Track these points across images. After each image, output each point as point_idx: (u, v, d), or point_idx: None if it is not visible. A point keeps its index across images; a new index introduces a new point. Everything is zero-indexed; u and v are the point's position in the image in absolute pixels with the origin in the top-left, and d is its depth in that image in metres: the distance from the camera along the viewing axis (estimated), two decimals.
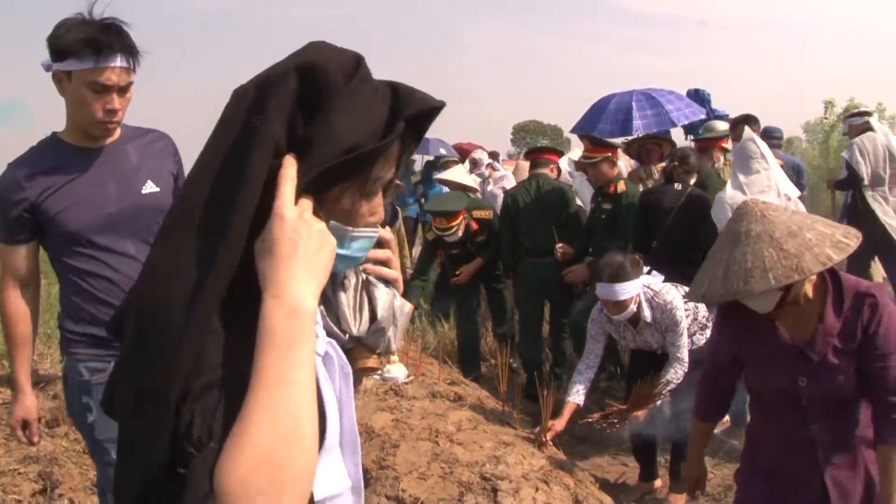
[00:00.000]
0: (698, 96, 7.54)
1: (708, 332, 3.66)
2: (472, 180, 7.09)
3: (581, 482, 3.26)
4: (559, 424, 3.57)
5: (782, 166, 4.83)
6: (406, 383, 4.08)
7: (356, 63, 0.92)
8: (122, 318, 0.90)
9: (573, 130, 6.87)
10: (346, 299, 1.05)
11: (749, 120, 5.24)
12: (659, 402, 3.50)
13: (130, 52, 2.07)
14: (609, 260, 3.49)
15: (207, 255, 0.83)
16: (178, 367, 0.79)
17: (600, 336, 3.73)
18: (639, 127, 6.34)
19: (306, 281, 0.84)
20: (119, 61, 2.03)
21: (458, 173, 7.06)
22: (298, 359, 0.80)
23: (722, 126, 5.99)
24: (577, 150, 8.16)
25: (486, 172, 7.95)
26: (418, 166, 12.30)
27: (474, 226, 5.26)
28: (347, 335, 1.05)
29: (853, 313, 2.01)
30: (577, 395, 3.64)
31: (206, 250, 0.84)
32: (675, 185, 4.63)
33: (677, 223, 4.41)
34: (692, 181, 4.65)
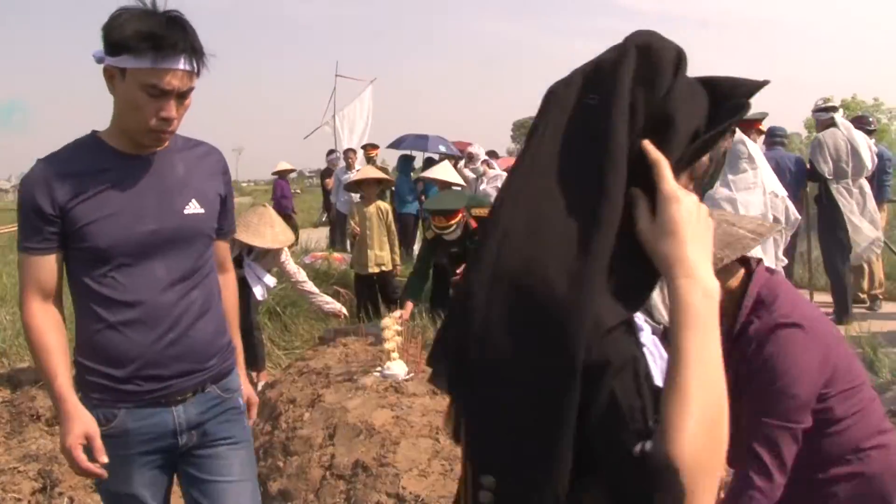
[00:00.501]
0: None
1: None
2: (457, 177, 7.10)
3: None
4: None
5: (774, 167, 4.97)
6: (406, 380, 4.07)
7: (678, 55, 0.92)
8: (469, 289, 0.87)
9: None
10: (658, 288, 1.03)
11: None
12: None
13: (196, 53, 1.79)
14: None
15: (586, 215, 0.82)
16: (581, 338, 0.77)
17: None
18: None
19: (707, 262, 0.85)
20: (182, 63, 1.75)
21: (444, 170, 7.06)
22: (714, 338, 0.82)
23: None
24: None
25: (482, 169, 7.94)
26: (418, 163, 12.27)
27: (473, 224, 5.26)
28: (662, 326, 1.04)
29: (742, 338, 1.70)
30: None
31: (581, 210, 0.83)
32: None
33: None
34: None
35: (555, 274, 0.80)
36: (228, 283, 2.23)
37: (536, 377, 0.79)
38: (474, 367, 0.84)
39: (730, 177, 4.50)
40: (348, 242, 9.41)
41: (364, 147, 12.20)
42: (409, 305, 5.32)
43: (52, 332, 1.84)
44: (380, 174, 7.02)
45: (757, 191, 4.46)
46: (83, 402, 1.86)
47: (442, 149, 11.76)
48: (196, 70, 1.80)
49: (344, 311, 5.38)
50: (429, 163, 10.55)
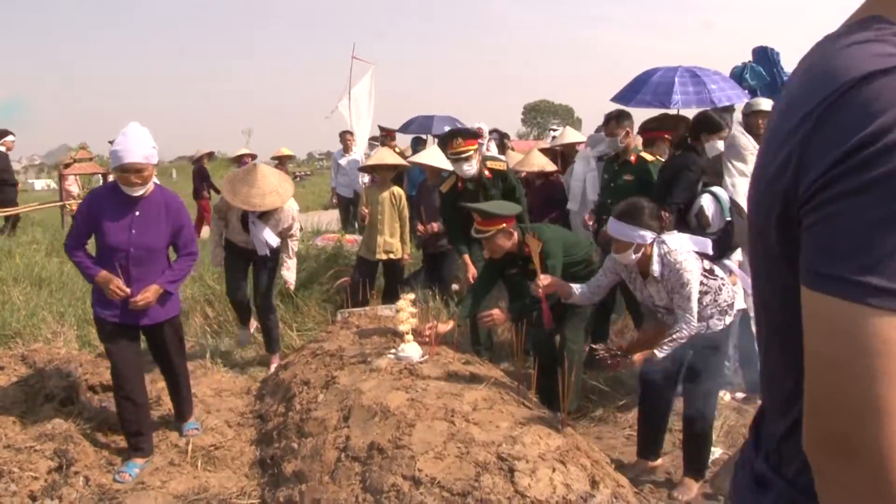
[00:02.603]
0: (766, 55, 7.34)
1: (728, 319, 3.60)
2: (446, 162, 6.94)
3: (598, 463, 3.23)
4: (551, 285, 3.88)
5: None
6: (421, 362, 4.05)
7: None
8: None
9: (613, 99, 6.84)
10: None
11: (621, 115, 5.26)
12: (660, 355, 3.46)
13: None
14: (630, 199, 3.63)
15: None
16: None
17: (609, 272, 3.76)
18: (678, 101, 6.34)
19: None
20: None
21: (433, 155, 6.90)
22: None
23: (766, 104, 5.94)
24: (568, 133, 8.07)
25: (484, 147, 7.80)
26: (429, 145, 12.17)
27: (488, 174, 5.32)
28: None
29: None
30: (577, 288, 3.86)
31: None
32: (677, 151, 4.87)
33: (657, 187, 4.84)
34: (702, 149, 4.74)
35: None
36: None
37: None
38: None
39: (740, 166, 4.63)
40: (357, 225, 9.26)
41: (382, 132, 12.12)
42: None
43: None
44: (397, 160, 6.85)
45: None
46: None
47: (447, 129, 11.56)
48: None
49: (292, 287, 5.71)
50: (441, 143, 10.46)
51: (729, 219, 4.45)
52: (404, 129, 12.28)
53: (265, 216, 5.17)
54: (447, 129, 11.55)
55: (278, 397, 4.48)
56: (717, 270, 3.66)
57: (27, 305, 6.25)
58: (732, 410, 4.52)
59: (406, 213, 6.34)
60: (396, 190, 6.38)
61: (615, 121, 5.17)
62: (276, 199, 5.02)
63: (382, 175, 6.47)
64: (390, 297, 6.06)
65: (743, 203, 4.47)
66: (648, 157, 5.23)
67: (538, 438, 3.09)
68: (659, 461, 3.90)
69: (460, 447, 3.01)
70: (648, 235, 3.41)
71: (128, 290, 3.69)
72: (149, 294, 3.74)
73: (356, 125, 13.03)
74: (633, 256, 3.45)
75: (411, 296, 4.50)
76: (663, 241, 3.49)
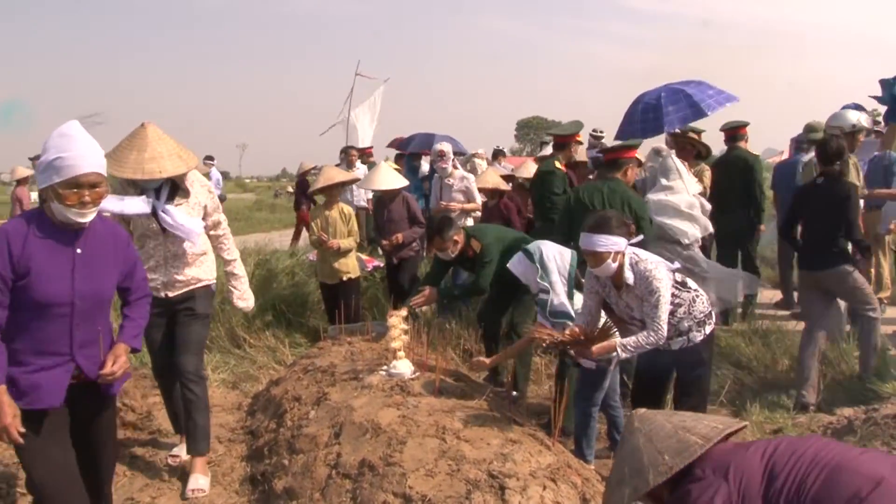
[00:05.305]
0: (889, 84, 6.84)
1: (708, 329, 3.64)
2: (398, 180, 6.87)
3: (588, 480, 3.23)
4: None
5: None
6: (412, 379, 4.06)
7: None
8: None
9: (617, 137, 6.94)
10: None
11: (442, 230, 4.98)
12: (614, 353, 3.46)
13: None
14: (596, 213, 3.76)
15: None
16: None
17: (592, 293, 3.74)
18: (636, 131, 6.51)
19: None
20: None
21: (384, 179, 6.81)
22: None
23: (865, 119, 5.99)
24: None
25: (449, 169, 7.77)
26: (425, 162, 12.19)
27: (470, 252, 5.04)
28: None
29: None
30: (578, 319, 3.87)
31: None
32: (819, 179, 5.04)
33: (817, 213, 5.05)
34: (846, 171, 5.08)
35: None
36: None
37: None
38: None
39: (664, 182, 5.64)
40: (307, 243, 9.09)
41: (361, 149, 12.17)
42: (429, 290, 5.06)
43: None
44: (346, 177, 6.76)
45: (683, 195, 5.58)
46: None
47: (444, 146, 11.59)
48: None
49: (250, 309, 4.39)
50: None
51: None
52: (405, 145, 12.33)
53: (173, 200, 3.72)
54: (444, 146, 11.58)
55: (269, 413, 4.47)
56: (690, 283, 3.69)
57: None
58: None
59: (356, 228, 6.34)
60: (345, 208, 6.34)
61: (438, 237, 4.95)
62: (179, 164, 3.60)
63: (330, 194, 6.35)
64: (346, 318, 5.84)
65: (664, 217, 5.41)
66: (476, 245, 5.00)
67: (529, 456, 3.09)
68: None
69: (451, 464, 3.01)
70: (622, 242, 3.47)
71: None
72: (123, 358, 2.76)
73: (361, 141, 13.09)
74: (613, 265, 3.46)
75: (403, 312, 4.50)
76: (634, 252, 3.55)
